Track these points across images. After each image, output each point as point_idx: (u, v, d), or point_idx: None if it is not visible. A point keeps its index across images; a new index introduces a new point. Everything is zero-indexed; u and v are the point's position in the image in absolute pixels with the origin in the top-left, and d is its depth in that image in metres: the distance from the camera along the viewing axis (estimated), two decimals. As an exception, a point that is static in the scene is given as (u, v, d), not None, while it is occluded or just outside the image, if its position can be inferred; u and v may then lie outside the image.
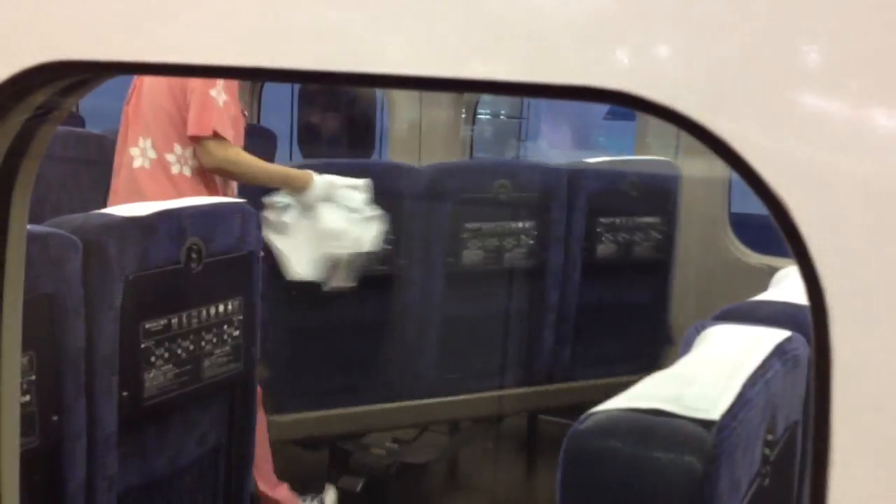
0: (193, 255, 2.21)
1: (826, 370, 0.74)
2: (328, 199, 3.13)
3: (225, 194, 3.12)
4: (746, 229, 4.13)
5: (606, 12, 0.84)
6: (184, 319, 2.20)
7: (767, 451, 1.22)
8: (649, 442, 1.05)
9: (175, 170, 3.06)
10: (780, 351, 1.32)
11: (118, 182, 3.15)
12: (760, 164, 0.79)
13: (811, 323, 0.77)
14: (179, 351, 2.17)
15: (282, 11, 0.91)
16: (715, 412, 1.07)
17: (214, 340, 2.27)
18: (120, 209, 2.20)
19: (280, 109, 5.49)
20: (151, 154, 3.09)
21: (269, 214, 3.11)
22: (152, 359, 2.10)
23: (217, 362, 2.28)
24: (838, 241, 0.77)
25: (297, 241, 3.13)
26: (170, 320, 2.15)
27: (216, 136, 2.97)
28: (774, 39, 0.80)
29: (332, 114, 5.76)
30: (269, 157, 4.11)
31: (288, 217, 3.12)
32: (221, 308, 2.30)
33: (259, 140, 4.65)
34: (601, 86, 0.84)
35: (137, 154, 3.10)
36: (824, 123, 0.79)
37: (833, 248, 0.77)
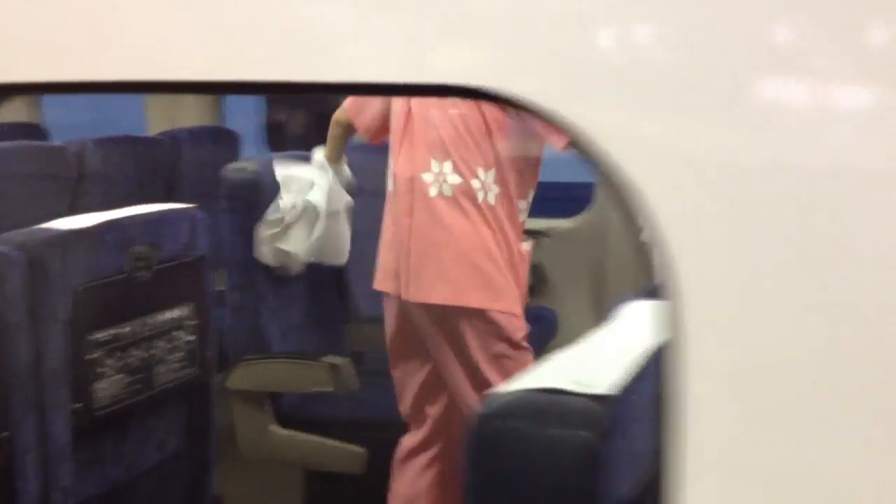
0: (141, 264, 2.22)
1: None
2: None
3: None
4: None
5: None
6: (135, 328, 2.21)
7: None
8: (544, 420, 1.07)
9: (480, 197, 2.51)
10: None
11: (411, 221, 2.51)
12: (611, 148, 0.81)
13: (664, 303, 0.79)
14: (131, 359, 2.18)
15: (226, 21, 0.89)
16: (610, 386, 1.09)
17: (167, 347, 2.28)
18: (64, 221, 2.21)
19: (245, 108, 5.48)
20: (453, 179, 2.51)
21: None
22: (102, 369, 2.11)
23: (171, 368, 2.29)
24: (686, 222, 0.79)
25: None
26: (120, 330, 2.17)
27: None
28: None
29: (301, 111, 5.75)
30: (234, 159, 4.08)
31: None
32: (174, 314, 2.31)
33: (223, 142, 4.64)
34: (458, 83, 0.87)
35: (432, 180, 2.52)
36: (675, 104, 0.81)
37: (681, 230, 0.79)
